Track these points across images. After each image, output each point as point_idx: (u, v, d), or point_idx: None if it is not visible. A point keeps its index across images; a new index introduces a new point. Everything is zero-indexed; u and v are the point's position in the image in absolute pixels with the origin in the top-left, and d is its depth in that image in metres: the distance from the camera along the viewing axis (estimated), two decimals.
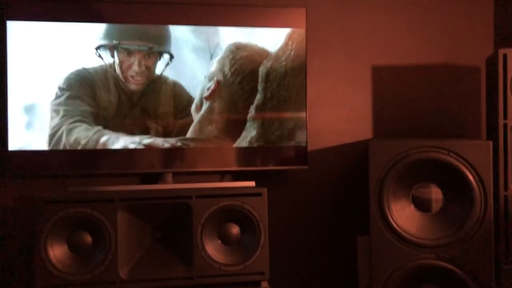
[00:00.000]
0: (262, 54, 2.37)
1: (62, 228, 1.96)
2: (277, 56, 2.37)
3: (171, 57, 2.30)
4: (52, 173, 2.26)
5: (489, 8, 2.66)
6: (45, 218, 1.93)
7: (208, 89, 2.34)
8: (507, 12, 2.62)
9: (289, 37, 2.38)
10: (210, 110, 2.34)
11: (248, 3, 2.40)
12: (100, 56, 2.25)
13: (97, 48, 2.25)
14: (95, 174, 2.32)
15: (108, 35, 2.26)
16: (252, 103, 2.36)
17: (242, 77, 2.35)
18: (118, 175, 2.35)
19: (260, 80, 2.37)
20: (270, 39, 2.37)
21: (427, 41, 2.63)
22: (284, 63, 2.37)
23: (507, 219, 2.12)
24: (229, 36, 2.34)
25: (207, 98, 2.33)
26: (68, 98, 2.23)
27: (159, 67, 2.30)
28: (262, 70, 2.36)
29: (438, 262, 2.04)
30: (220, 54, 2.34)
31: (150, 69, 2.29)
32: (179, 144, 2.30)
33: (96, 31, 2.25)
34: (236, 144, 2.34)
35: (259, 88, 2.37)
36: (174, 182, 2.33)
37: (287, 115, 2.38)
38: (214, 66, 2.34)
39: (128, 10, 2.28)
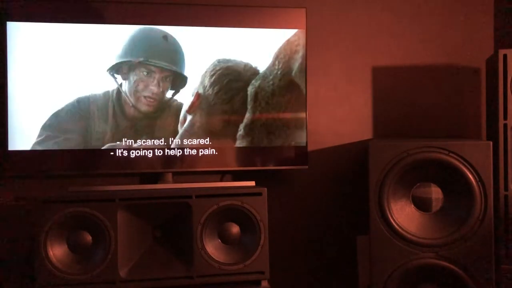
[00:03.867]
0: (244, 67, 2.36)
1: (62, 227, 1.96)
2: (265, 75, 2.37)
3: (185, 83, 2.31)
4: (52, 173, 2.26)
5: (489, 8, 2.66)
6: (45, 218, 1.93)
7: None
8: (507, 12, 2.62)
9: (276, 57, 2.38)
10: (191, 124, 2.34)
11: (247, 3, 2.40)
12: (113, 75, 2.25)
13: (113, 67, 2.25)
14: (95, 174, 2.32)
15: (128, 53, 2.27)
16: (235, 114, 2.36)
17: (220, 87, 2.35)
18: (118, 175, 2.35)
19: (249, 99, 2.37)
20: (257, 57, 2.37)
21: (428, 41, 2.63)
22: (271, 83, 2.37)
23: (507, 219, 2.12)
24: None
25: (188, 111, 2.32)
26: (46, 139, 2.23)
27: (170, 92, 2.32)
28: (250, 90, 2.36)
29: (438, 262, 2.04)
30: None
31: (164, 92, 2.29)
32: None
33: (111, 50, 2.26)
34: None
35: (248, 107, 2.37)
36: (174, 182, 2.33)
37: (276, 133, 2.38)
38: (198, 80, 2.34)
39: (127, 10, 2.28)
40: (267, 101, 2.38)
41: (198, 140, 2.33)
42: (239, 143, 2.36)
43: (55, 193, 2.08)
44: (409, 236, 2.04)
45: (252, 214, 2.05)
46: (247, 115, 2.37)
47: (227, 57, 2.35)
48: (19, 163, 2.21)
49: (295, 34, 2.39)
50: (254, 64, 2.37)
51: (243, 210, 2.05)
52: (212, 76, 2.33)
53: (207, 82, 2.33)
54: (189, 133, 2.32)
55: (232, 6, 2.37)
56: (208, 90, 2.33)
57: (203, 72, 2.33)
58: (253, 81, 2.36)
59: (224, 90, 2.34)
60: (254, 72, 2.37)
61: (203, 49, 2.33)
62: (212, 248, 2.05)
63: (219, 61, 2.34)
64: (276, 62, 2.38)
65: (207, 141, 2.33)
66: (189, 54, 2.32)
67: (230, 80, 2.35)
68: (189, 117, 2.32)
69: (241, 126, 2.37)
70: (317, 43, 2.54)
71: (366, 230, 2.14)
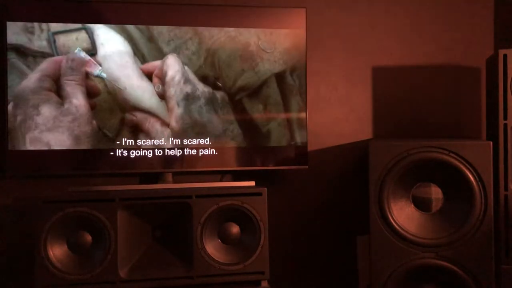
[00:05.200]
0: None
1: (62, 228, 1.96)
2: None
3: None
4: (52, 173, 2.26)
5: (489, 8, 2.66)
6: (45, 218, 1.93)
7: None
8: (507, 12, 2.62)
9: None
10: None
11: (247, 3, 2.40)
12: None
13: None
14: (95, 174, 2.32)
15: None
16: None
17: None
18: (118, 175, 2.35)
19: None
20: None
21: (427, 41, 2.63)
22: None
23: (507, 219, 2.12)
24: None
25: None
26: None
27: None
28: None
29: (438, 262, 2.04)
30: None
31: None
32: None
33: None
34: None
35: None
36: (174, 182, 2.33)
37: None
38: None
39: (127, 11, 2.28)
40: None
41: (198, 140, 2.33)
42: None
43: (55, 193, 2.08)
44: (409, 236, 2.04)
45: (252, 214, 2.05)
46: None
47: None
48: (19, 163, 2.21)
49: (294, 33, 2.39)
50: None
51: (243, 210, 2.05)
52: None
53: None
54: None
55: (232, 6, 2.37)
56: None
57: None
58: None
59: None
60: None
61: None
62: (212, 248, 2.05)
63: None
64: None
65: (207, 141, 2.33)
66: None
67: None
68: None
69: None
70: (317, 43, 2.54)
71: (366, 230, 2.14)
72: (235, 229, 2.09)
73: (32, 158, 2.20)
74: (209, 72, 2.33)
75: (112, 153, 2.26)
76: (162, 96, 2.29)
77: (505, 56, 2.12)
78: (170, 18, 2.30)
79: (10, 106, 2.17)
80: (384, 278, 2.05)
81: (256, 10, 2.38)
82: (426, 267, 2.05)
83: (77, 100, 2.21)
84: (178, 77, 2.29)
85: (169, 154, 2.31)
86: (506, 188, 2.12)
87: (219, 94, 2.34)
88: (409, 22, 2.62)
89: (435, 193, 2.08)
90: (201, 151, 2.33)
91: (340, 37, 2.58)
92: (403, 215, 2.07)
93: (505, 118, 2.13)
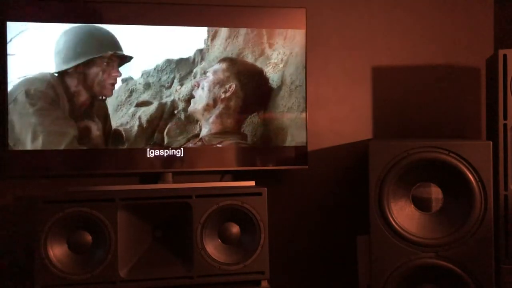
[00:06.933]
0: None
1: (62, 227, 1.97)
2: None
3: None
4: (52, 173, 2.26)
5: (489, 8, 2.66)
6: (45, 218, 1.94)
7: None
8: (507, 12, 2.62)
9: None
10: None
11: (247, 3, 2.40)
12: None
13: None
14: (95, 174, 2.32)
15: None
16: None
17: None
18: (118, 175, 2.35)
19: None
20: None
21: (427, 41, 2.63)
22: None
23: (507, 219, 2.12)
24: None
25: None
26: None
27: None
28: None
29: (438, 262, 2.04)
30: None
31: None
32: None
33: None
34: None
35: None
36: (174, 181, 2.33)
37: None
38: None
39: (126, 11, 2.28)
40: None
41: (198, 140, 2.33)
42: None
43: (55, 193, 2.08)
44: (409, 236, 2.04)
45: (252, 214, 2.05)
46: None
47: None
48: (19, 163, 2.21)
49: (294, 34, 2.39)
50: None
51: (243, 210, 2.05)
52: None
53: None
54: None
55: (232, 6, 2.37)
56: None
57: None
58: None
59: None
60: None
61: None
62: (212, 248, 2.05)
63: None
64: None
65: (207, 141, 2.34)
66: None
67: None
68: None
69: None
70: (317, 43, 2.54)
71: (366, 230, 2.14)
72: (235, 229, 2.09)
73: (32, 158, 2.21)
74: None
75: (112, 153, 2.26)
76: None
77: (505, 56, 2.12)
78: (167, 17, 2.30)
79: None
80: (384, 278, 2.05)
81: (256, 10, 2.38)
82: (426, 267, 2.05)
83: None
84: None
85: (169, 154, 2.30)
86: (506, 188, 2.12)
87: None
88: (409, 22, 2.62)
89: (435, 193, 2.08)
90: (201, 151, 2.33)
91: (340, 37, 2.58)
92: (403, 215, 2.07)
93: (505, 118, 2.13)
